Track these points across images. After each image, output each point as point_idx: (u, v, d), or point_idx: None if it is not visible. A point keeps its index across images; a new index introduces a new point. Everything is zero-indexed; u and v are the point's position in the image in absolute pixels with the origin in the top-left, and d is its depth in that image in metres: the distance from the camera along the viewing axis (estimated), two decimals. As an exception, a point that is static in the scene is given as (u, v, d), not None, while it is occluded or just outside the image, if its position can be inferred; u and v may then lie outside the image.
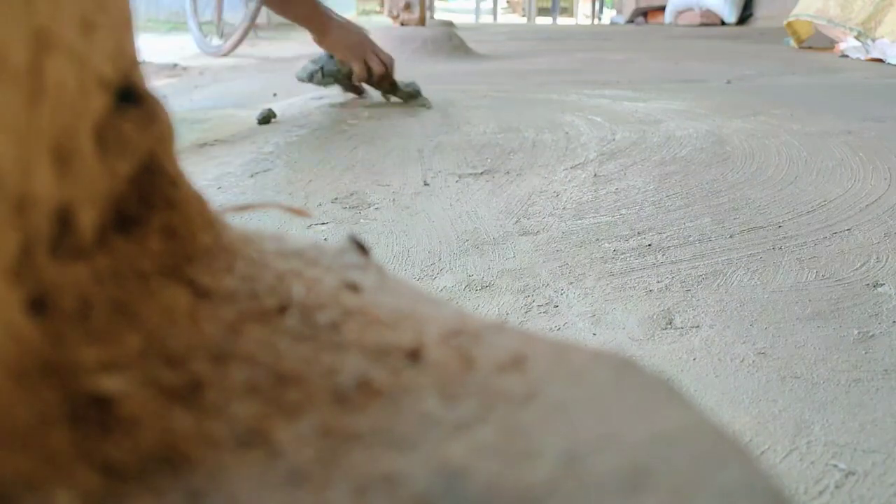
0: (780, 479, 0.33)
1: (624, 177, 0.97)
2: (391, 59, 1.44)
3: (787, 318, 0.59)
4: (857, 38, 2.62)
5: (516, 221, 0.81)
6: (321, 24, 1.40)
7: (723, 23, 5.57)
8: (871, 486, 0.40)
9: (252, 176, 1.03)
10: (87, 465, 0.13)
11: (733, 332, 0.57)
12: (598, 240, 0.75)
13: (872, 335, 0.56)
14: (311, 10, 1.40)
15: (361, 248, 0.23)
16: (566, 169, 1.01)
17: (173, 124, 0.19)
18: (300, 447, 0.14)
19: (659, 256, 0.71)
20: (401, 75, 1.48)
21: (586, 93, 1.69)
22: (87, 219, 0.15)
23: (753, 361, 0.53)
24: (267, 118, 1.34)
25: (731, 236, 0.75)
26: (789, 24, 3.13)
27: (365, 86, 1.49)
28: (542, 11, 9.60)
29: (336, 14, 1.46)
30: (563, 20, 9.17)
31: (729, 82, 1.95)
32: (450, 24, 4.16)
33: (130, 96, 0.17)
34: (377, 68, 1.40)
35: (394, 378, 0.16)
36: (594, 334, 0.57)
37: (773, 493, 0.13)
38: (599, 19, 8.56)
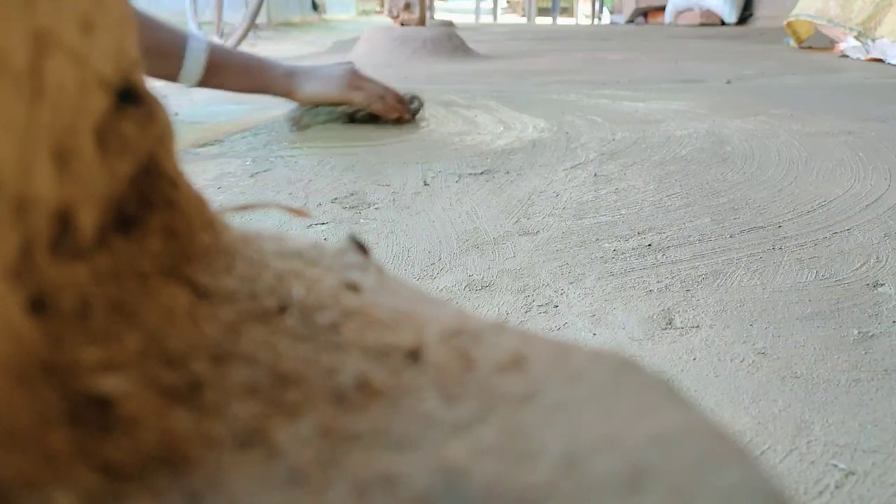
0: (780, 480, 0.33)
1: (624, 177, 0.97)
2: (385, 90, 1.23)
3: (787, 318, 0.59)
4: (857, 38, 2.62)
5: (516, 221, 0.81)
6: (279, 79, 1.16)
7: (723, 23, 5.57)
8: (871, 486, 0.40)
9: (252, 176, 1.03)
10: (86, 465, 0.13)
11: (733, 332, 0.57)
12: (598, 240, 0.75)
13: (872, 335, 0.56)
14: (259, 73, 1.14)
15: (361, 248, 0.23)
16: (566, 169, 1.01)
17: (173, 124, 0.19)
18: (300, 447, 0.14)
19: (659, 256, 0.71)
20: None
21: (586, 93, 1.69)
22: (87, 219, 0.15)
23: (753, 361, 0.53)
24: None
25: (731, 236, 0.75)
26: (789, 24, 3.13)
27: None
28: (542, 11, 9.60)
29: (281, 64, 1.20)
30: (563, 20, 9.16)
31: (729, 82, 1.95)
32: (450, 24, 4.16)
33: (130, 96, 0.17)
34: (381, 103, 1.20)
35: (394, 378, 0.16)
36: (594, 334, 0.57)
37: (773, 493, 0.13)
38: (599, 19, 8.56)
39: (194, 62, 1.06)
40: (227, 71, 1.11)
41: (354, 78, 1.19)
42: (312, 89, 1.18)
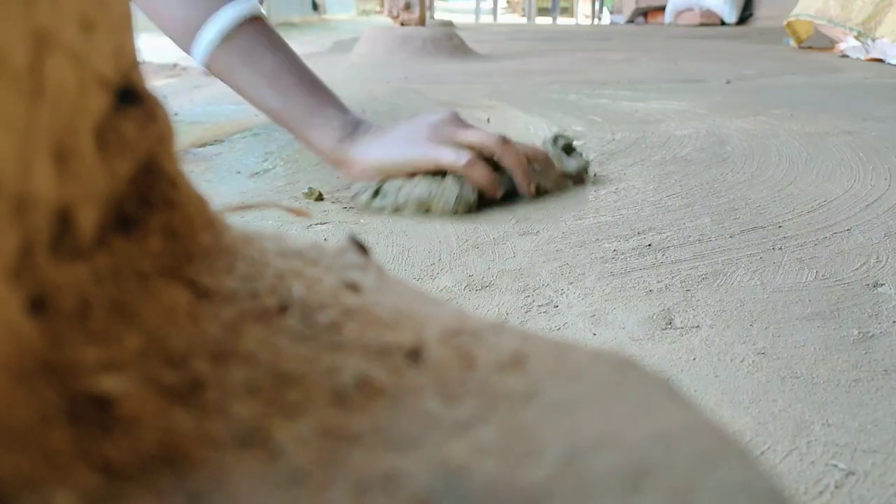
0: (780, 479, 0.33)
1: (624, 177, 0.97)
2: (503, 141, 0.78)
3: (787, 318, 0.59)
4: (857, 38, 2.62)
5: (516, 221, 0.81)
6: (326, 141, 0.79)
7: (723, 23, 5.57)
8: (871, 486, 0.40)
9: (252, 176, 1.03)
10: (86, 465, 0.13)
11: (733, 332, 0.57)
12: (597, 240, 0.75)
13: (872, 335, 0.56)
14: (300, 103, 0.78)
15: (361, 248, 0.23)
16: (566, 169, 1.00)
17: (173, 124, 0.19)
18: (301, 447, 0.14)
19: (659, 256, 0.71)
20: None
21: (586, 93, 1.69)
22: (87, 219, 0.15)
23: (753, 361, 0.53)
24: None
25: (731, 236, 0.75)
26: (789, 24, 3.13)
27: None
28: (542, 11, 9.60)
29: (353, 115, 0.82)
30: (563, 20, 9.16)
31: (729, 82, 1.95)
32: (450, 24, 4.16)
33: (130, 96, 0.17)
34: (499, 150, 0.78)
35: (394, 378, 0.16)
36: (594, 334, 0.57)
37: (773, 493, 0.13)
38: (599, 19, 8.56)
39: (203, 38, 0.76)
40: (247, 68, 0.77)
41: (432, 131, 0.77)
42: (372, 158, 0.78)
